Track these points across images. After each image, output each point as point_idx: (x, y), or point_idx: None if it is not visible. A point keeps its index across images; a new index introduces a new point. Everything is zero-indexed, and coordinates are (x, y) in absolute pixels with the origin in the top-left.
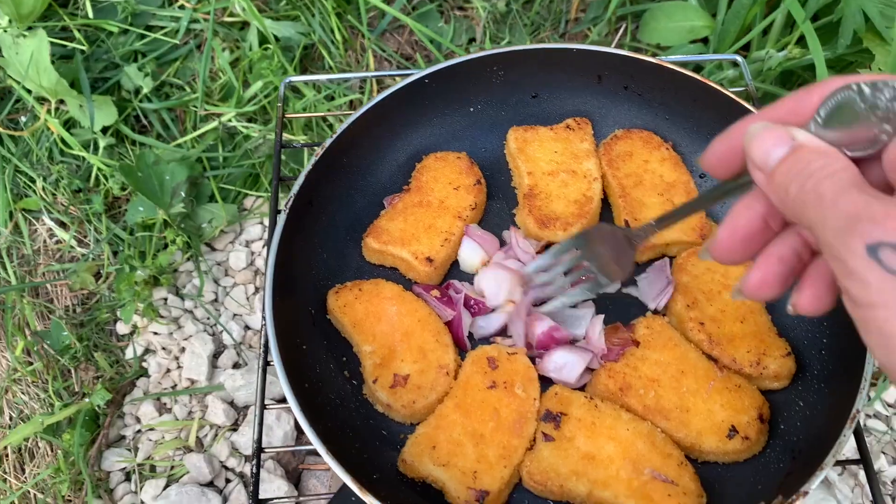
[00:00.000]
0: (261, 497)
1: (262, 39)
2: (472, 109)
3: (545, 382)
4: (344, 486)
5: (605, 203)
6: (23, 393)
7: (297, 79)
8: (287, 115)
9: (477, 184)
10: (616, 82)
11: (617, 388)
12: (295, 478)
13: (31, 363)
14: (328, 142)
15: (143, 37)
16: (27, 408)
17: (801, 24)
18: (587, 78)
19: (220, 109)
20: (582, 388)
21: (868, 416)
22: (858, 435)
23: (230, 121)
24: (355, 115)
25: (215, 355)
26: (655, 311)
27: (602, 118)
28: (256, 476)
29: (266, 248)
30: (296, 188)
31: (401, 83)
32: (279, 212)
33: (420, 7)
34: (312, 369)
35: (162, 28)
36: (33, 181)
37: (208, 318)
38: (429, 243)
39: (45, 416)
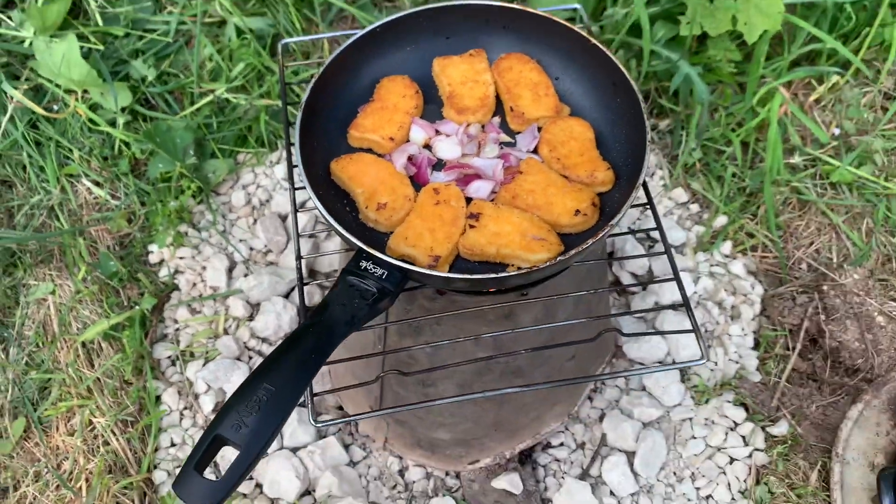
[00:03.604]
0: None
1: (239, 32)
2: (409, 48)
3: (468, 200)
4: (356, 251)
5: (498, 99)
6: (84, 309)
7: (291, 40)
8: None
9: (417, 93)
10: (498, 24)
11: (510, 197)
12: None
13: (87, 287)
14: (322, 66)
15: (142, 38)
16: (90, 320)
17: None
18: (477, 22)
19: (212, 86)
20: (490, 201)
21: (711, 265)
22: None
23: (223, 94)
24: (337, 51)
25: (229, 269)
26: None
27: (492, 48)
28: (300, 287)
29: (257, 188)
30: (306, 95)
31: (361, 32)
32: (290, 120)
33: (358, 1)
34: (325, 204)
35: (156, 30)
36: (71, 152)
37: (221, 244)
38: (390, 129)
39: (107, 319)
